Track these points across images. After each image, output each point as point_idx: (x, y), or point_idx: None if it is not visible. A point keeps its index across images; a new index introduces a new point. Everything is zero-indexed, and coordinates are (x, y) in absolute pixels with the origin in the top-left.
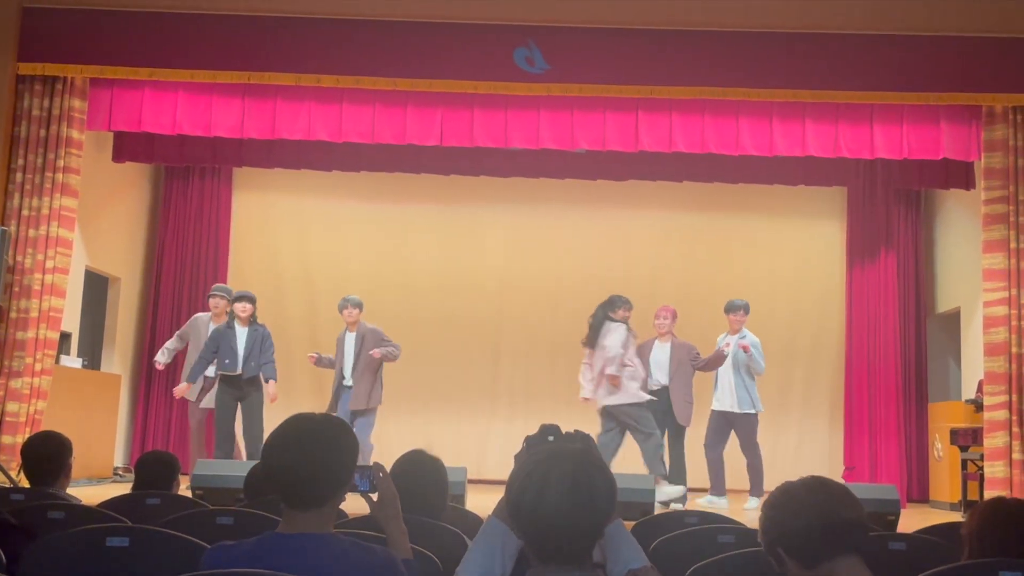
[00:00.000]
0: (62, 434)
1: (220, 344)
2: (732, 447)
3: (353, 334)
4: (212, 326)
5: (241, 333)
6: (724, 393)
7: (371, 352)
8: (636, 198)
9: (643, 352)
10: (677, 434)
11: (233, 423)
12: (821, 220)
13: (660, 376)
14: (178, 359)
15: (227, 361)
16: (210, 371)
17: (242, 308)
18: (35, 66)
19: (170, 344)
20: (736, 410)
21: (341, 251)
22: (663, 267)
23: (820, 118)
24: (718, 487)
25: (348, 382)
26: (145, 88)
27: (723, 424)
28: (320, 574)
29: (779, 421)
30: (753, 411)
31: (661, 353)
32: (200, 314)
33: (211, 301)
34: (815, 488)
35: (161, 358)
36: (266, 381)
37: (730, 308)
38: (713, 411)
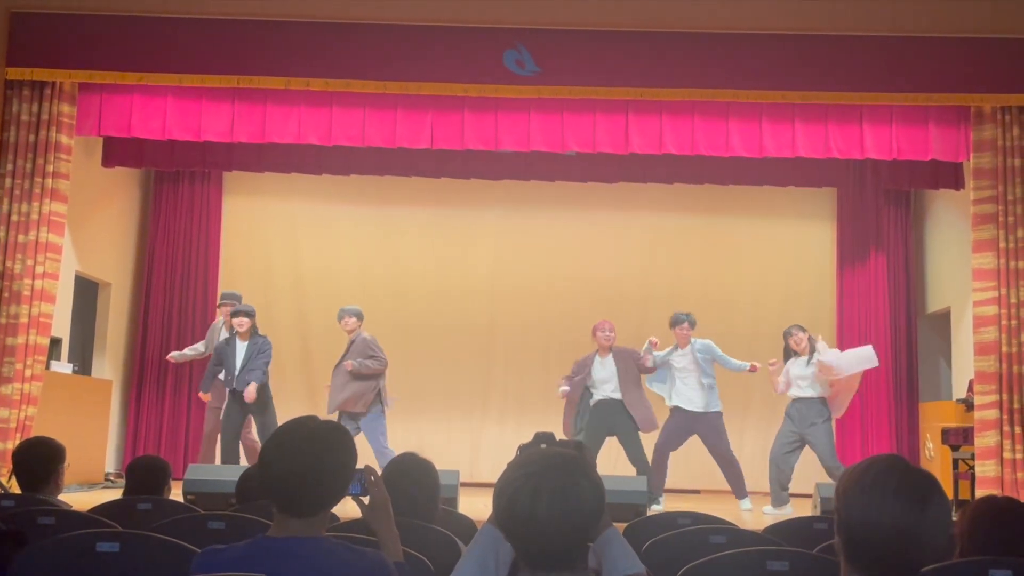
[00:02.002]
0: (55, 440)
1: (223, 359)
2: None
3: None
4: (224, 333)
5: (241, 347)
6: (694, 393)
7: (344, 364)
8: (627, 200)
9: (586, 370)
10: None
11: (236, 434)
12: (811, 221)
13: (610, 390)
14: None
15: (228, 376)
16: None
17: (239, 323)
18: (23, 71)
19: (191, 350)
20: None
21: (332, 254)
22: (654, 269)
23: (810, 119)
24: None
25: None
26: (134, 93)
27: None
28: None
29: (770, 422)
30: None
31: (603, 368)
32: (215, 322)
33: (221, 310)
34: (912, 498)
35: (176, 354)
36: (247, 384)
37: (675, 322)
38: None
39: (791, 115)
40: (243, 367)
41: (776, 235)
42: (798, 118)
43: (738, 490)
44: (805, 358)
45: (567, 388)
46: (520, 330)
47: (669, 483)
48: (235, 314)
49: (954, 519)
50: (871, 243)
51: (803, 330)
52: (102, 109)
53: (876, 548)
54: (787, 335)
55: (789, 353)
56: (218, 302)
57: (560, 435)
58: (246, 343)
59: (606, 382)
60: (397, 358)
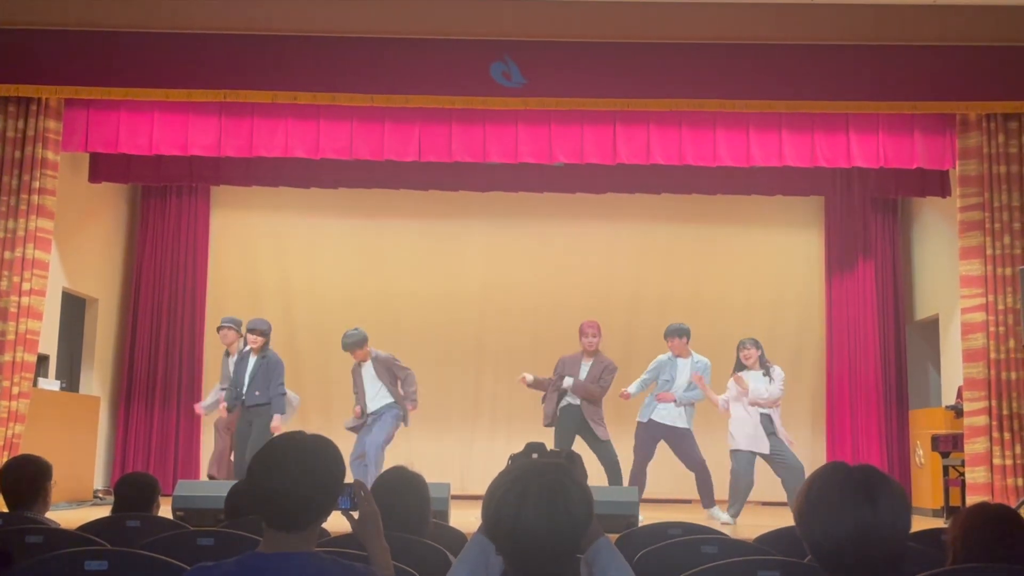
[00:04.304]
0: (41, 457)
1: (234, 373)
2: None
3: (368, 363)
4: (229, 357)
5: (250, 362)
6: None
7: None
8: (615, 210)
9: (572, 370)
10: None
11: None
12: (799, 229)
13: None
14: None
15: (236, 391)
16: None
17: (253, 340)
18: (9, 87)
19: (214, 396)
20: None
21: (320, 268)
22: (643, 279)
23: (796, 128)
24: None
25: (373, 407)
26: (121, 108)
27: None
28: None
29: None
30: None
31: (584, 373)
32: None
33: (219, 333)
34: (857, 496)
35: (207, 402)
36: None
37: (670, 332)
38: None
39: (778, 124)
40: (251, 381)
41: (764, 244)
42: (785, 127)
43: (706, 498)
44: (759, 372)
45: (530, 378)
46: (510, 341)
47: (662, 493)
48: (250, 330)
49: (944, 526)
50: (859, 251)
51: (757, 346)
52: (88, 125)
53: (843, 555)
54: (739, 347)
55: (739, 366)
56: (218, 326)
57: (551, 444)
58: (255, 358)
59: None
60: None
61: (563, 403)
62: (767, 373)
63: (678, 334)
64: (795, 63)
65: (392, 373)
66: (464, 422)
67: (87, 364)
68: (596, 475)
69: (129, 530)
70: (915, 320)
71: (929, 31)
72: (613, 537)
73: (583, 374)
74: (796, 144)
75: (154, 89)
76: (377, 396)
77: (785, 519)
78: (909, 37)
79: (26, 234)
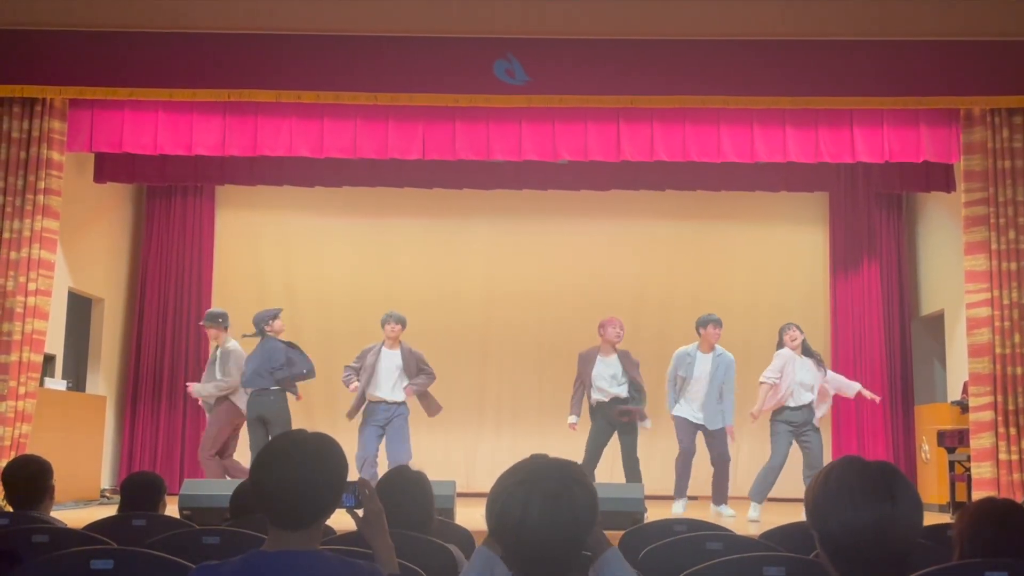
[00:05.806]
0: (41, 457)
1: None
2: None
3: (395, 351)
4: (213, 347)
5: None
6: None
7: (405, 388)
8: (619, 208)
9: (586, 367)
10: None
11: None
12: (804, 225)
13: (619, 388)
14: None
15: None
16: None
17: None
18: (13, 88)
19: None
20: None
21: (325, 266)
22: (647, 276)
23: (800, 124)
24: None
25: (385, 395)
26: (125, 108)
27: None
28: None
29: (766, 426)
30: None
31: (607, 367)
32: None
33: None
34: (877, 490)
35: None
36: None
37: (703, 322)
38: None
39: (782, 120)
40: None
41: (769, 240)
42: (789, 123)
43: (720, 495)
44: (811, 360)
45: (575, 420)
46: (514, 339)
47: (667, 489)
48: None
49: (950, 521)
50: (864, 246)
51: (799, 328)
52: (93, 125)
53: (862, 550)
54: (783, 331)
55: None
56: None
57: (559, 437)
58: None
59: (611, 381)
60: None
61: (596, 399)
62: (818, 362)
63: (716, 323)
64: (799, 59)
65: (418, 366)
66: (469, 420)
67: (93, 364)
68: (604, 473)
69: (135, 529)
70: (920, 315)
71: (933, 25)
72: (619, 534)
73: (602, 369)
74: (800, 140)
75: (158, 89)
76: (396, 388)
77: (790, 515)
78: (913, 32)
79: (32, 234)
